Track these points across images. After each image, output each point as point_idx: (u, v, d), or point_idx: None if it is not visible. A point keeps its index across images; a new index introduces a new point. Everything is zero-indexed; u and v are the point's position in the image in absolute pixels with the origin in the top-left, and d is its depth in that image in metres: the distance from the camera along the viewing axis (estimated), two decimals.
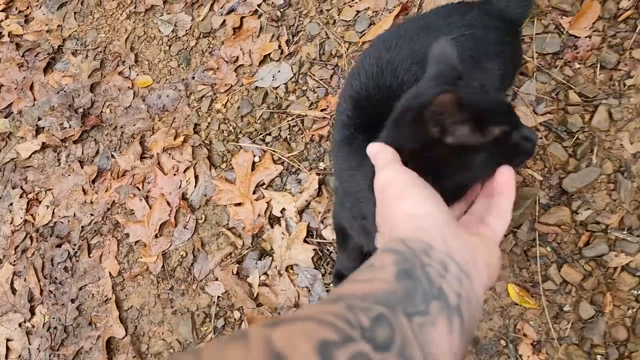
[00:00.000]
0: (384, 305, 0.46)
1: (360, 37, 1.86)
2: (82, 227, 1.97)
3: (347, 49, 1.86)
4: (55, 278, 1.94)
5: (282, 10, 2.00)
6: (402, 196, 0.59)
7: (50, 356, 1.84)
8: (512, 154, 0.70)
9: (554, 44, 1.63)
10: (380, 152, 0.66)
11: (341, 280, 1.35)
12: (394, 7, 1.85)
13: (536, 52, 1.64)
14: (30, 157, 2.15)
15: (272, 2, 2.02)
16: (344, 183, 1.15)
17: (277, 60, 1.94)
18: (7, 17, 2.43)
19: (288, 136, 1.82)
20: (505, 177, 0.66)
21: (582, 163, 1.50)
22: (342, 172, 1.12)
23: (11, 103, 2.26)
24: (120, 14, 2.25)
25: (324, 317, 0.44)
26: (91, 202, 1.99)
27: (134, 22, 2.22)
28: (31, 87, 2.26)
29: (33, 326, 1.91)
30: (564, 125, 1.55)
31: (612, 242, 1.41)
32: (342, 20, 1.90)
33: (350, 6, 1.91)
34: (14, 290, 1.98)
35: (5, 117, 2.25)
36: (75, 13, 2.34)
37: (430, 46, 1.10)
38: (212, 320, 1.70)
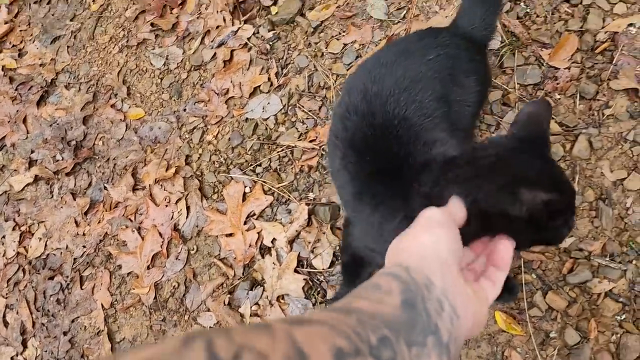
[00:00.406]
0: (389, 329, 0.51)
1: (347, 69, 1.91)
2: (75, 259, 1.98)
3: (335, 81, 1.90)
4: (48, 310, 1.94)
5: (271, 43, 2.05)
6: (427, 230, 0.64)
7: None
8: (547, 237, 0.81)
9: (534, 75, 1.69)
10: (453, 209, 0.72)
11: None
12: (380, 40, 1.90)
13: (518, 83, 1.69)
14: (23, 189, 2.17)
15: (262, 36, 2.07)
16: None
17: (267, 92, 1.98)
18: (1, 51, 2.47)
19: (278, 167, 1.86)
20: (505, 253, 0.73)
21: None
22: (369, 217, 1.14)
23: (4, 136, 2.28)
24: (113, 48, 2.30)
25: (338, 326, 0.48)
26: (83, 234, 2.01)
27: (126, 55, 2.27)
28: (24, 120, 2.29)
29: (25, 359, 1.91)
30: None
31: (595, 269, 1.45)
32: (329, 53, 1.95)
33: (338, 39, 1.96)
34: (6, 324, 1.98)
35: None
36: (68, 47, 2.38)
37: (411, 69, 1.15)
38: None
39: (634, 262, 1.43)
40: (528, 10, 1.76)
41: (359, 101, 1.14)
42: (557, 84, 1.66)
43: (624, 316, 1.40)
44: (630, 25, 1.64)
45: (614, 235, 1.47)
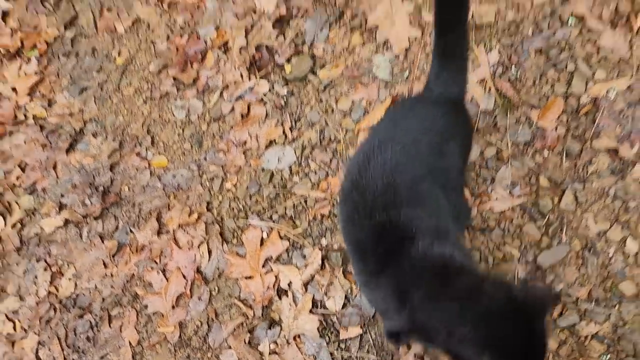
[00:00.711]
0: None
1: (355, 124, 2.10)
2: (103, 298, 2.13)
3: (345, 135, 2.09)
4: (78, 347, 2.09)
5: (285, 99, 2.24)
6: None
7: None
8: None
9: (525, 134, 1.88)
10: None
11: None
12: (385, 98, 2.10)
13: (510, 141, 1.87)
14: (53, 232, 2.32)
15: (277, 92, 2.26)
16: None
17: (282, 144, 2.16)
18: (31, 101, 2.65)
19: (293, 214, 2.03)
20: None
21: (553, 241, 1.72)
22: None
23: (36, 181, 2.45)
24: (137, 99, 2.49)
25: None
26: (111, 275, 2.16)
27: (150, 106, 2.45)
28: (54, 166, 2.46)
29: None
30: (536, 207, 1.77)
31: (582, 313, 1.61)
32: (339, 109, 2.14)
33: (346, 96, 2.15)
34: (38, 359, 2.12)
35: (30, 194, 2.43)
36: (95, 98, 2.57)
37: (398, 161, 1.23)
38: None
39: (616, 307, 1.60)
40: (518, 75, 1.96)
41: (352, 212, 1.24)
42: (546, 142, 1.85)
43: (608, 356, 1.56)
44: (610, 90, 1.84)
45: (598, 282, 1.64)
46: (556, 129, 1.85)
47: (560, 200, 1.76)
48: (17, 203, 2.43)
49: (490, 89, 1.95)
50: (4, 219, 2.39)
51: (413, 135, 1.27)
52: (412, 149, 1.25)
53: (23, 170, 2.50)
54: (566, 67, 1.92)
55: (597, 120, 1.82)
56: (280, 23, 2.40)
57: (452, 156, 1.33)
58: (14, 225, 2.38)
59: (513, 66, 1.98)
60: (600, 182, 1.75)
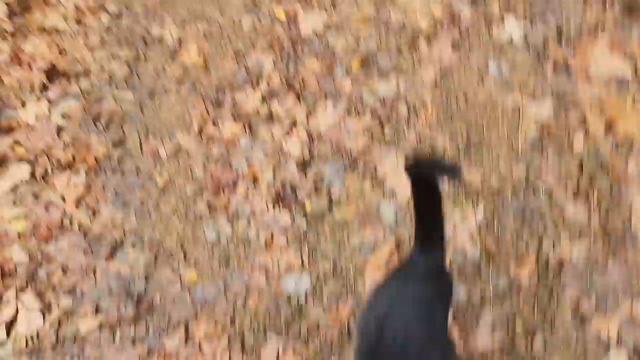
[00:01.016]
0: None
1: (364, 260, 2.50)
2: None
3: (354, 268, 2.48)
4: None
5: (304, 231, 2.65)
6: None
7: None
8: None
9: (504, 284, 2.28)
10: None
11: None
12: (390, 239, 2.52)
13: (492, 288, 2.28)
14: (88, 332, 2.61)
15: (297, 224, 2.68)
16: None
17: (300, 272, 2.54)
18: (77, 209, 3.02)
19: (306, 334, 2.37)
20: None
21: None
22: None
23: (75, 284, 2.76)
24: (174, 218, 2.87)
25: None
26: None
27: (184, 225, 2.83)
28: (94, 272, 2.79)
29: None
30: (513, 347, 2.14)
31: None
32: (350, 245, 2.55)
33: (357, 234, 2.57)
34: None
35: (69, 295, 2.74)
36: (135, 212, 2.94)
37: (406, 334, 1.47)
38: None
39: None
40: (500, 232, 2.40)
41: None
42: (521, 291, 2.26)
43: None
44: (573, 252, 2.28)
45: None
46: (529, 281, 2.27)
47: (532, 343, 2.14)
48: (56, 303, 2.73)
49: (476, 242, 2.38)
50: (43, 316, 2.68)
51: (411, 312, 1.49)
52: (414, 325, 1.46)
53: (65, 272, 2.82)
54: (538, 230, 2.37)
55: (561, 283, 2.24)
56: (304, 165, 2.86)
57: (439, 320, 1.59)
58: (52, 324, 2.66)
59: (495, 224, 2.43)
60: (565, 332, 2.14)
